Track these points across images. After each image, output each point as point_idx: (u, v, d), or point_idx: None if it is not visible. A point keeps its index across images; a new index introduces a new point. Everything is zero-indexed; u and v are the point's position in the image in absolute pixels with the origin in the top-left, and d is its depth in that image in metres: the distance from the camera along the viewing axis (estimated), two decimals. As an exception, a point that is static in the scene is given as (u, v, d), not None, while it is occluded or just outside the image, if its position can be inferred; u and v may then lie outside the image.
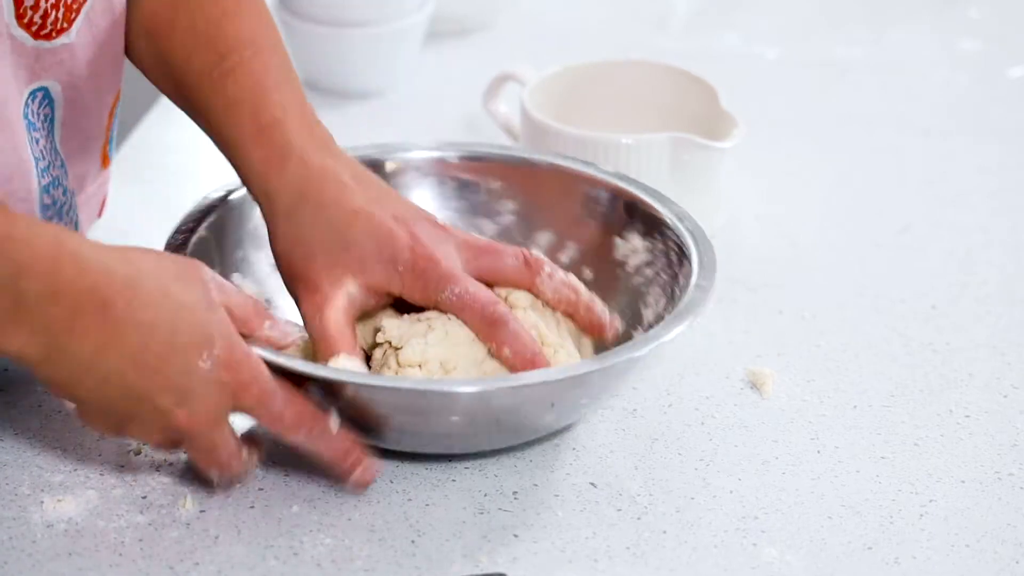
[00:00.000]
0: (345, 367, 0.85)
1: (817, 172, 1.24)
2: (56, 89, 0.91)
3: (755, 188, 1.21)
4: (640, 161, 1.08)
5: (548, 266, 0.91)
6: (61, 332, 0.76)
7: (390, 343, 0.87)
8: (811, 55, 1.43)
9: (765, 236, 1.15)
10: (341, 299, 0.87)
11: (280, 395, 0.82)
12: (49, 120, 0.91)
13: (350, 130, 1.28)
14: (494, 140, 1.26)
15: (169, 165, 1.27)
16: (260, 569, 0.82)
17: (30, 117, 0.89)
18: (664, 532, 0.85)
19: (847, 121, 1.32)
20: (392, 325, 0.88)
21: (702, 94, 1.15)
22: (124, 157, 1.25)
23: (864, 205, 1.19)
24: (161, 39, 0.93)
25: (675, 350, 1.00)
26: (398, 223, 0.88)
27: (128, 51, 0.96)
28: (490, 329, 0.86)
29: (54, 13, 0.87)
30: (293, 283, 0.89)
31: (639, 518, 0.86)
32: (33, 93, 0.89)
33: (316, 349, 0.87)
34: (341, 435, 0.85)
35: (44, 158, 0.91)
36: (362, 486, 0.86)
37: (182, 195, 1.22)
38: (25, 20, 0.86)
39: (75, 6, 0.89)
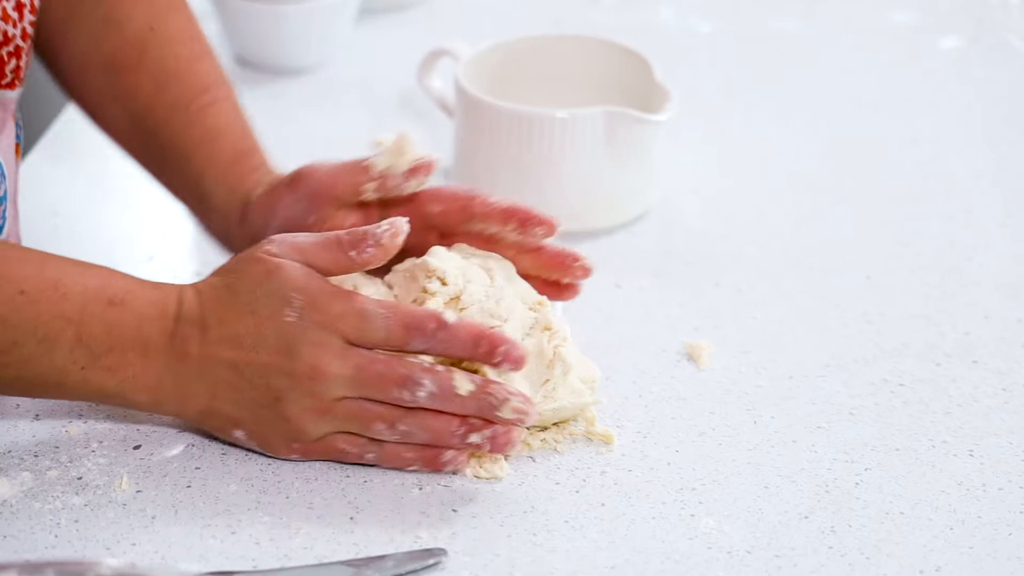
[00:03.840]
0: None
1: (752, 145, 1.25)
2: None
3: (690, 162, 1.21)
4: (574, 135, 1.08)
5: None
6: (181, 365, 0.84)
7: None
8: (745, 28, 1.44)
9: (701, 209, 1.16)
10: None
11: (380, 312, 0.84)
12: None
13: (283, 107, 1.28)
14: (428, 115, 1.26)
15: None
16: (198, 549, 0.81)
17: None
18: (602, 505, 0.85)
19: (781, 94, 1.33)
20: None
21: (636, 67, 1.15)
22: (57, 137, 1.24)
23: (798, 177, 1.20)
24: (126, 74, 0.98)
25: (612, 324, 1.00)
26: None
27: (76, 88, 1.01)
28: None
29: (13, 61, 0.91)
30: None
31: (577, 491, 0.86)
32: None
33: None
34: (463, 324, 0.84)
35: None
36: (517, 362, 0.85)
37: (116, 173, 1.21)
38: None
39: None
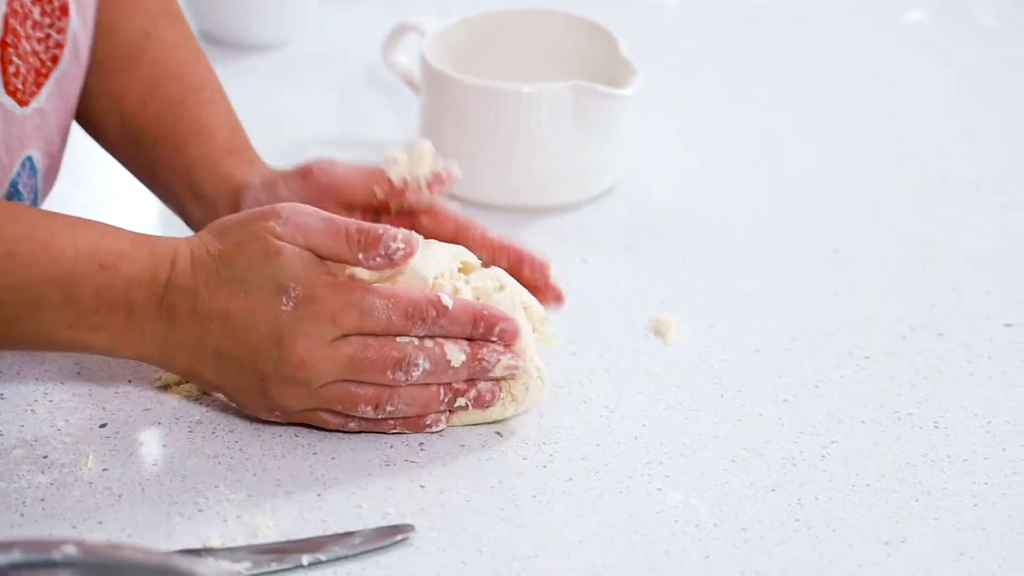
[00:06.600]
0: None
1: (720, 120, 1.25)
2: (37, 157, 0.93)
3: (658, 136, 1.21)
4: (541, 111, 1.08)
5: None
6: (168, 329, 0.84)
7: None
8: (712, 2, 1.44)
9: (669, 184, 1.16)
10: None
11: (379, 302, 0.83)
12: (34, 191, 0.94)
13: (250, 83, 1.28)
14: (395, 92, 1.25)
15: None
16: (165, 527, 0.81)
17: (20, 188, 0.92)
18: (570, 479, 0.85)
19: (749, 69, 1.33)
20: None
21: (602, 42, 1.14)
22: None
23: (767, 152, 1.20)
24: (119, 76, 0.98)
25: (579, 298, 1.00)
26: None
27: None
28: None
29: (30, 78, 0.89)
30: None
31: (545, 466, 0.86)
32: (23, 162, 0.92)
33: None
34: (461, 305, 0.85)
35: None
36: (512, 338, 0.86)
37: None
38: (11, 88, 0.88)
39: (44, 71, 0.91)
